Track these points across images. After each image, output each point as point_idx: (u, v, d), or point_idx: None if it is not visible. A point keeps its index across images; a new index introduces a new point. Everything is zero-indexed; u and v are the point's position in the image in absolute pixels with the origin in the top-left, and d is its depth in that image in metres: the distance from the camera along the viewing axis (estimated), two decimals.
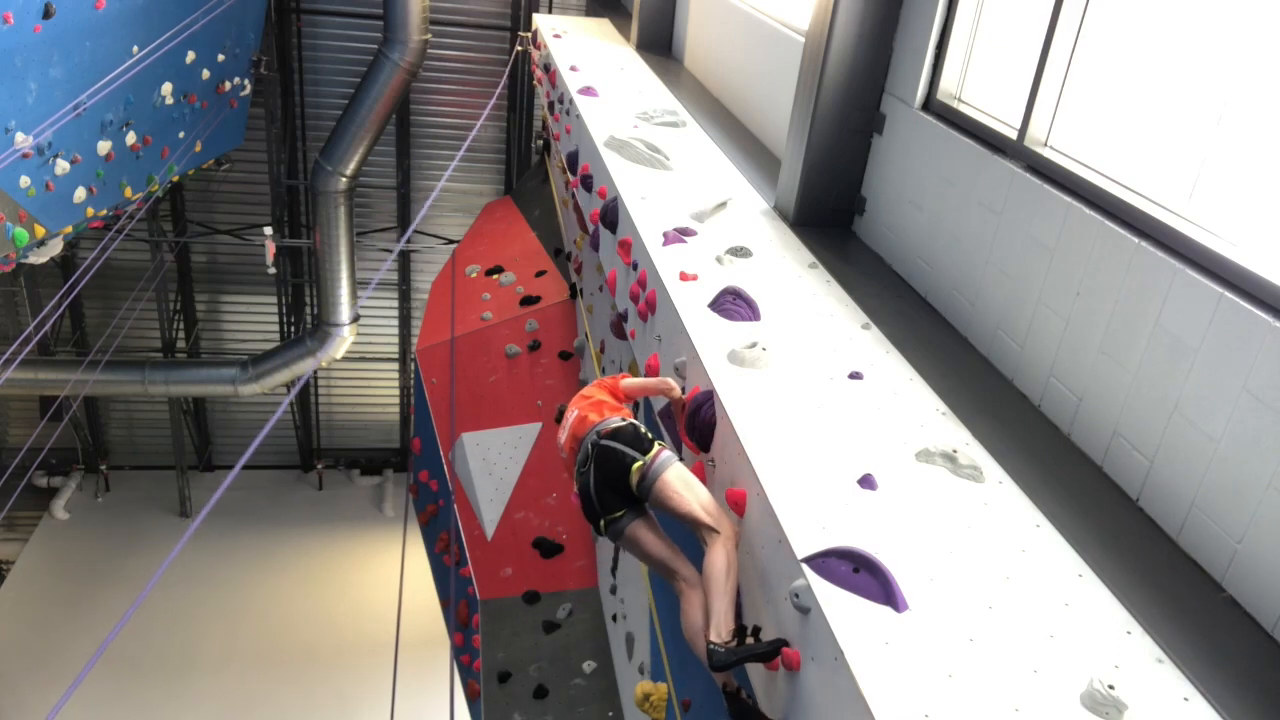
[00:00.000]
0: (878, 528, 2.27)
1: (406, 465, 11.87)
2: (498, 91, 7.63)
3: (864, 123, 4.15)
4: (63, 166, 6.28)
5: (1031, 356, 3.01)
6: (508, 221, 8.45)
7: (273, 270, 10.85)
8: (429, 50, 9.67)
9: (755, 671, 2.41)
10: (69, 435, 11.96)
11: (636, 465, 2.60)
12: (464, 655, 6.27)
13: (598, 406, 2.83)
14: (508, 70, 9.24)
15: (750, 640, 2.23)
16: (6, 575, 11.49)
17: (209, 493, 12.65)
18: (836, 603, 2.04)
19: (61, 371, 10.41)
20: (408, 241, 11.95)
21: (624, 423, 2.73)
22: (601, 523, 2.69)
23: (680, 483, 2.56)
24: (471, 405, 6.64)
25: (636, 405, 3.15)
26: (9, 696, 9.73)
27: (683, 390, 3.11)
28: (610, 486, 2.65)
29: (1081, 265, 2.79)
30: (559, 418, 3.00)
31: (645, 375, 3.51)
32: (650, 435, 2.70)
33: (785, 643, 2.18)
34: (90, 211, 6.90)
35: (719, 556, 2.41)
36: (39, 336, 6.11)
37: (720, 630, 2.27)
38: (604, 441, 2.67)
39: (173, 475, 12.37)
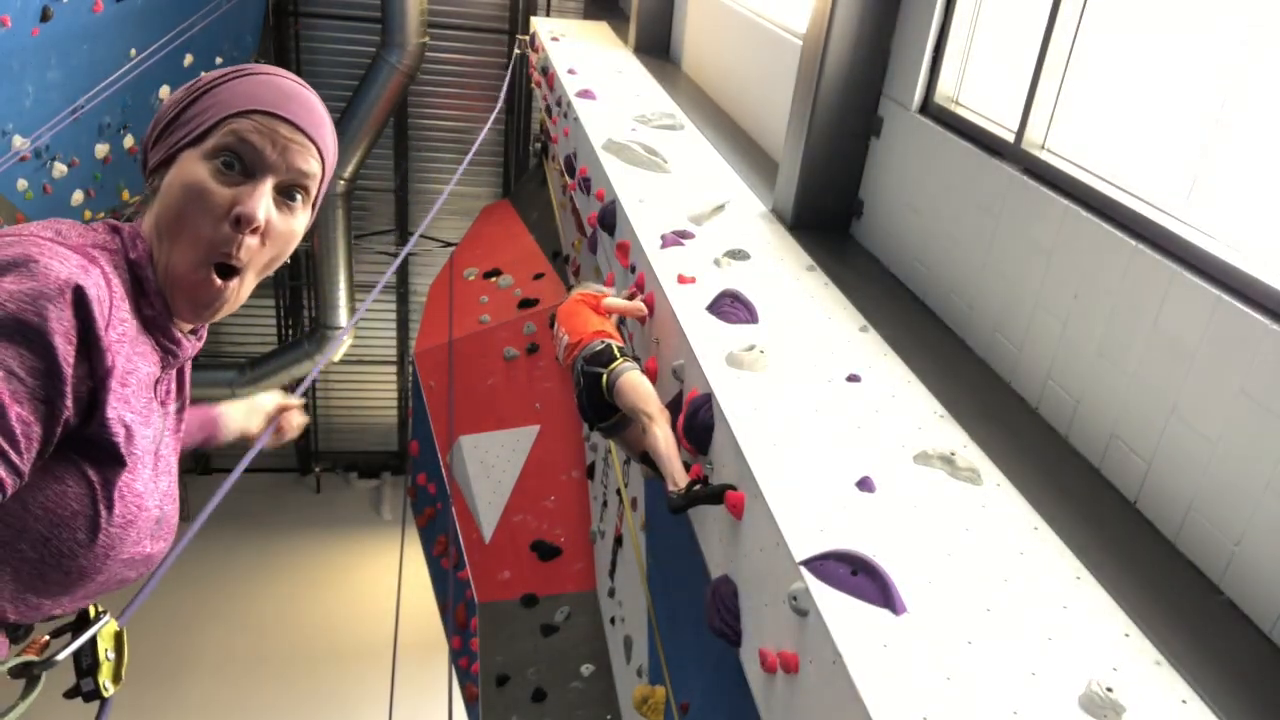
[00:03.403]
0: (876, 530, 2.27)
1: (404, 468, 11.87)
2: (501, 97, 7.61)
3: (861, 126, 4.15)
4: (60, 169, 6.28)
5: (1029, 359, 3.01)
6: (505, 224, 8.44)
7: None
8: (427, 53, 9.68)
9: (753, 672, 2.41)
10: None
11: (604, 377, 3.27)
12: (462, 659, 6.26)
13: (583, 331, 3.48)
14: (507, 78, 9.23)
15: (698, 488, 2.72)
16: None
17: (207, 495, 12.62)
18: (835, 605, 2.04)
19: None
20: (405, 244, 11.94)
21: (601, 345, 3.38)
22: (598, 428, 3.43)
23: (630, 383, 3.20)
24: (469, 408, 6.64)
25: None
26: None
27: (681, 392, 3.12)
28: (594, 400, 3.32)
29: (1079, 268, 2.80)
30: (552, 323, 3.72)
31: (645, 375, 3.57)
32: (618, 350, 3.36)
33: (732, 486, 2.58)
34: (88, 215, 6.89)
35: (660, 433, 2.97)
36: None
37: (676, 482, 2.81)
38: (587, 367, 3.34)
39: None
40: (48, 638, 1.18)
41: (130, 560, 1.18)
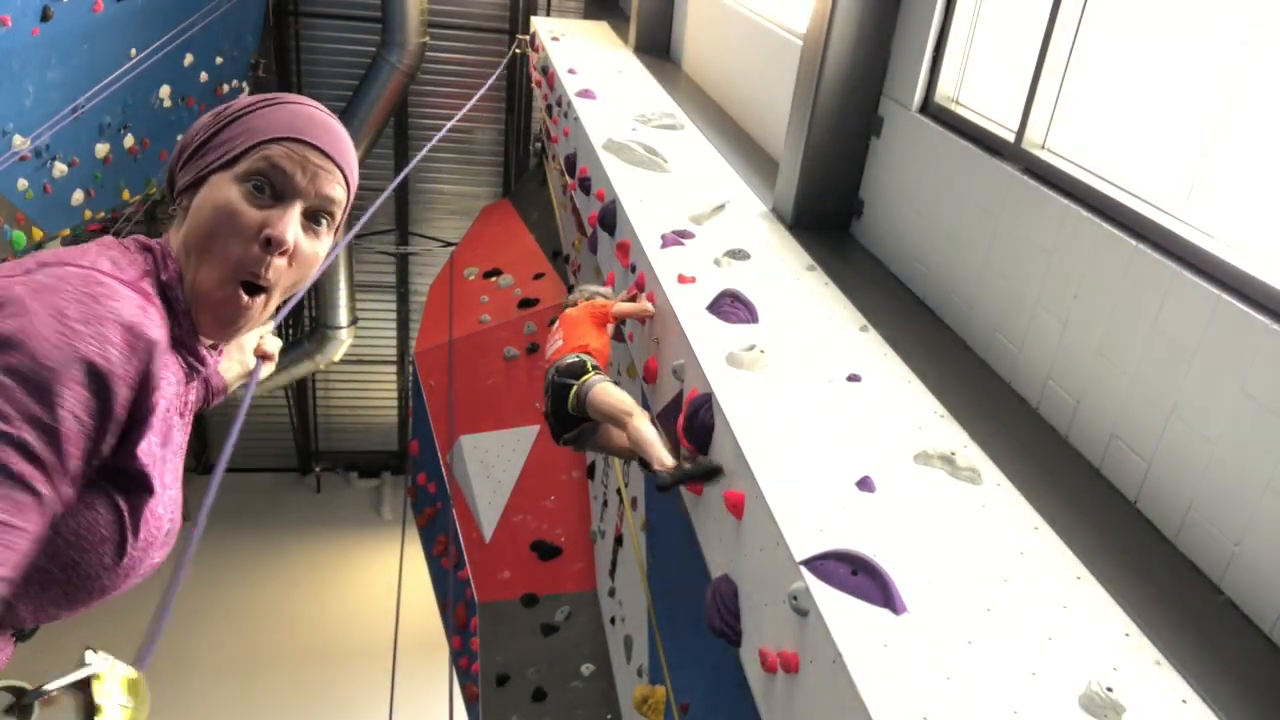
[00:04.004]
0: (876, 530, 2.27)
1: (404, 468, 11.88)
2: (488, 85, 7.58)
3: (862, 125, 4.15)
4: (60, 169, 6.28)
5: (1029, 359, 3.01)
6: (506, 224, 8.44)
7: None
8: (427, 53, 9.67)
9: (754, 672, 2.41)
10: None
11: (573, 391, 3.22)
12: (462, 658, 6.26)
13: (569, 343, 3.45)
14: (504, 64, 9.19)
15: (687, 464, 2.69)
16: None
17: (205, 494, 12.62)
18: (835, 605, 2.04)
19: None
20: (405, 244, 11.95)
21: (575, 359, 3.34)
22: (562, 439, 3.40)
23: (603, 392, 3.15)
24: (469, 408, 6.64)
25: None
26: None
27: (681, 392, 3.12)
28: (559, 413, 3.30)
29: (1079, 268, 2.80)
30: (553, 321, 3.67)
31: (643, 378, 3.60)
32: (591, 364, 3.31)
33: (720, 469, 2.58)
34: (88, 214, 6.89)
35: (640, 428, 2.95)
36: None
37: (663, 462, 2.80)
38: (557, 378, 3.31)
39: None
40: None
41: (144, 573, 1.22)
